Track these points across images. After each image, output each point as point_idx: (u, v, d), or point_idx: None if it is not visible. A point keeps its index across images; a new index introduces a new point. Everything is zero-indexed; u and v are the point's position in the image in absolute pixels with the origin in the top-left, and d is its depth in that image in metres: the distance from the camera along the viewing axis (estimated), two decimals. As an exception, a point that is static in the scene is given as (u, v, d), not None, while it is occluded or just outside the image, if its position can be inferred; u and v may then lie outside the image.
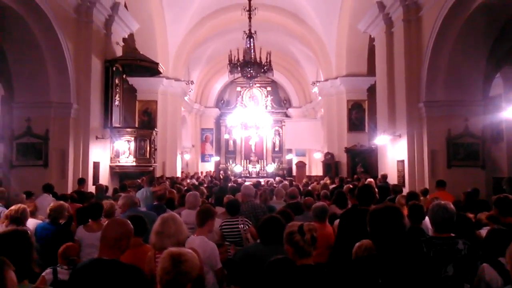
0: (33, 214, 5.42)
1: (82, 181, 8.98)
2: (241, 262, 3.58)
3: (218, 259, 3.73)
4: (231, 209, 5.15)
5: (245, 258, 3.57)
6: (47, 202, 6.23)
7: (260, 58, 12.03)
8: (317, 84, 17.98)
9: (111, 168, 11.23)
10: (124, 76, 12.34)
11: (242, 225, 4.83)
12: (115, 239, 2.66)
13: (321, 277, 2.55)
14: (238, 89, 26.38)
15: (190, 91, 19.52)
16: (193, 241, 3.73)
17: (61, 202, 5.28)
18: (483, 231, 4.50)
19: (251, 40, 11.91)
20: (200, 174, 20.28)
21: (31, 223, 4.91)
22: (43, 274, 3.47)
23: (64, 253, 3.70)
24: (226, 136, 26.57)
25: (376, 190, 9.08)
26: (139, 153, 11.42)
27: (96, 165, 10.32)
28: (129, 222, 2.96)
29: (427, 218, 4.72)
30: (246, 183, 12.33)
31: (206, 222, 3.93)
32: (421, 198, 7.98)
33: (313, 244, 2.65)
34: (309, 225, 2.71)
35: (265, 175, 24.67)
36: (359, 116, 15.92)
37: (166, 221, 3.21)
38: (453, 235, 3.21)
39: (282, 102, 26.79)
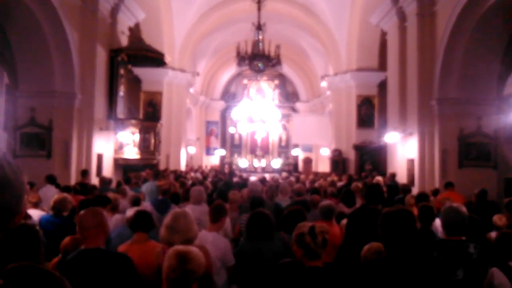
0: (37, 205, 5.40)
1: (85, 173, 8.87)
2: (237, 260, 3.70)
3: (232, 255, 3.70)
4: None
5: (236, 256, 3.71)
6: (51, 193, 6.21)
7: (269, 51, 11.79)
8: (326, 78, 17.72)
9: (115, 160, 11.12)
10: (129, 66, 12.18)
11: None
12: (93, 227, 2.76)
13: (330, 279, 2.53)
14: (245, 81, 26.11)
15: (196, 83, 19.33)
16: (206, 237, 3.70)
17: (65, 194, 5.29)
18: (494, 234, 4.39)
19: (260, 32, 11.67)
20: (204, 168, 20.17)
21: (35, 214, 4.89)
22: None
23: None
24: (231, 130, 26.38)
25: (385, 189, 8.99)
26: (144, 145, 11.30)
27: (100, 157, 10.22)
28: (101, 210, 3.02)
29: (437, 220, 4.60)
30: (252, 178, 12.25)
31: (219, 219, 3.92)
32: (431, 198, 7.81)
33: (324, 247, 2.63)
34: (321, 227, 2.69)
35: (270, 170, 24.52)
36: (368, 112, 15.64)
37: (177, 217, 3.16)
38: (464, 238, 3.19)
39: (289, 96, 26.52)
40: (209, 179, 11.65)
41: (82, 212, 2.95)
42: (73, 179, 9.14)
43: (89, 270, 2.62)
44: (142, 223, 3.56)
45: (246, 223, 3.87)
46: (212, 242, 3.63)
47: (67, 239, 3.38)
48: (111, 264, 2.68)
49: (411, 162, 9.93)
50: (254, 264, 3.55)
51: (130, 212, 5.90)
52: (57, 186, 7.41)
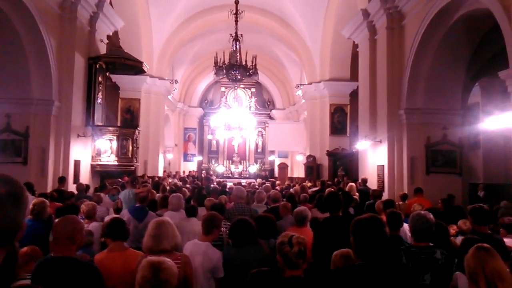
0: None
1: (62, 180, 8.87)
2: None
3: (222, 268, 3.66)
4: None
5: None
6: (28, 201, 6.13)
7: (246, 61, 12.06)
8: (301, 87, 18.16)
9: (92, 166, 11.10)
10: (107, 73, 12.22)
11: (224, 229, 4.73)
12: (67, 237, 2.69)
13: None
14: (222, 89, 26.38)
15: (174, 90, 19.42)
16: (198, 247, 3.71)
17: (43, 198, 5.26)
18: (460, 239, 4.63)
19: (237, 43, 11.93)
20: (182, 174, 20.21)
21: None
22: None
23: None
24: (209, 137, 26.57)
25: (357, 193, 9.29)
26: (121, 152, 11.33)
27: (77, 164, 10.18)
28: (79, 219, 2.93)
29: (405, 225, 4.86)
30: (229, 184, 12.43)
31: (212, 230, 3.89)
32: (400, 203, 8.19)
33: (301, 258, 2.66)
34: (298, 238, 2.72)
35: (247, 175, 24.80)
36: (341, 120, 16.15)
37: (162, 224, 3.21)
38: (431, 244, 3.32)
39: (266, 104, 26.92)
40: (188, 185, 11.76)
41: (58, 219, 2.88)
42: (50, 186, 9.09)
43: (54, 278, 2.57)
44: (120, 231, 3.55)
45: (229, 230, 3.90)
46: (204, 253, 3.63)
47: (24, 249, 3.29)
48: (76, 273, 2.62)
49: (381, 168, 10.26)
50: (239, 270, 3.56)
51: (108, 219, 5.98)
52: (33, 193, 7.38)
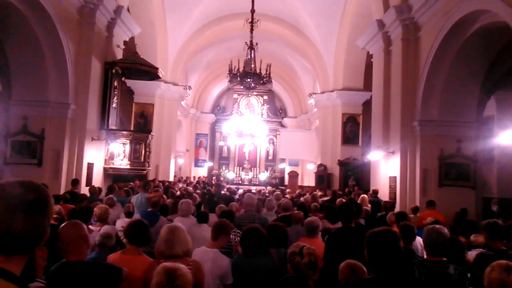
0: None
1: (75, 182, 8.96)
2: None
3: (231, 274, 3.65)
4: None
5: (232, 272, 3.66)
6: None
7: (260, 69, 12.10)
8: (314, 96, 18.17)
9: (105, 169, 11.21)
10: (123, 78, 12.37)
11: (233, 236, 4.75)
12: (74, 241, 2.70)
13: None
14: (235, 96, 26.52)
15: (187, 96, 19.58)
16: (207, 254, 3.72)
17: None
18: (473, 253, 4.57)
19: (252, 51, 11.98)
20: (192, 179, 20.30)
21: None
22: None
23: None
24: (220, 143, 26.69)
25: (369, 205, 9.21)
26: (134, 156, 11.43)
27: (90, 166, 10.29)
28: (82, 224, 2.91)
29: (417, 238, 4.80)
30: (239, 191, 12.45)
31: (220, 236, 3.89)
32: (411, 215, 8.10)
33: (312, 269, 2.66)
34: (309, 249, 2.73)
35: (257, 182, 24.80)
36: (353, 129, 16.09)
37: (174, 229, 3.24)
38: (445, 259, 3.27)
39: (278, 111, 26.97)
40: (198, 191, 11.80)
41: (61, 225, 2.88)
42: (63, 188, 9.20)
43: (72, 283, 2.60)
44: (138, 236, 3.48)
45: (241, 239, 3.88)
46: (213, 259, 3.65)
47: None
48: (95, 276, 2.64)
49: (393, 179, 10.16)
50: (248, 279, 3.57)
51: (120, 223, 6.03)
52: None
